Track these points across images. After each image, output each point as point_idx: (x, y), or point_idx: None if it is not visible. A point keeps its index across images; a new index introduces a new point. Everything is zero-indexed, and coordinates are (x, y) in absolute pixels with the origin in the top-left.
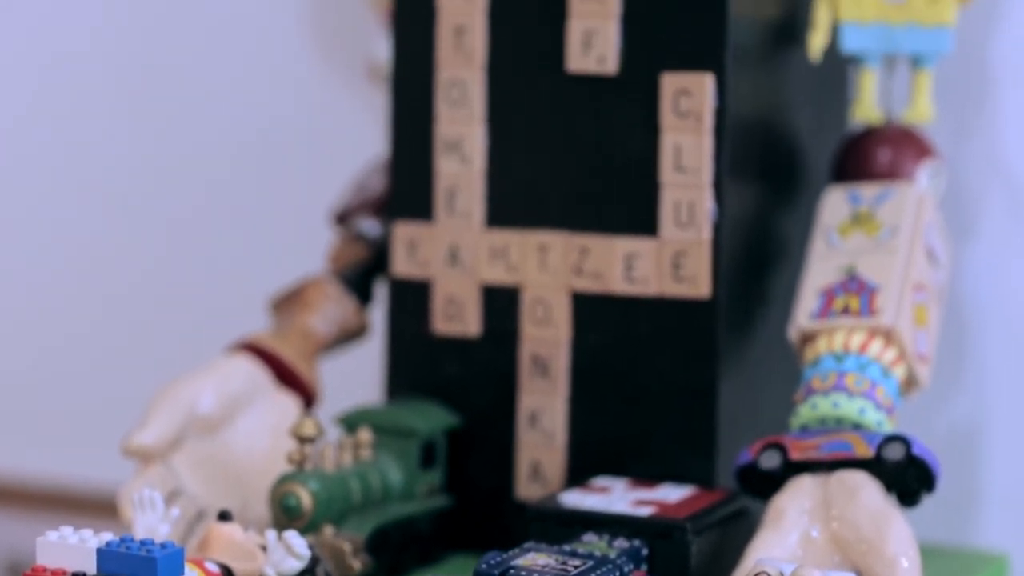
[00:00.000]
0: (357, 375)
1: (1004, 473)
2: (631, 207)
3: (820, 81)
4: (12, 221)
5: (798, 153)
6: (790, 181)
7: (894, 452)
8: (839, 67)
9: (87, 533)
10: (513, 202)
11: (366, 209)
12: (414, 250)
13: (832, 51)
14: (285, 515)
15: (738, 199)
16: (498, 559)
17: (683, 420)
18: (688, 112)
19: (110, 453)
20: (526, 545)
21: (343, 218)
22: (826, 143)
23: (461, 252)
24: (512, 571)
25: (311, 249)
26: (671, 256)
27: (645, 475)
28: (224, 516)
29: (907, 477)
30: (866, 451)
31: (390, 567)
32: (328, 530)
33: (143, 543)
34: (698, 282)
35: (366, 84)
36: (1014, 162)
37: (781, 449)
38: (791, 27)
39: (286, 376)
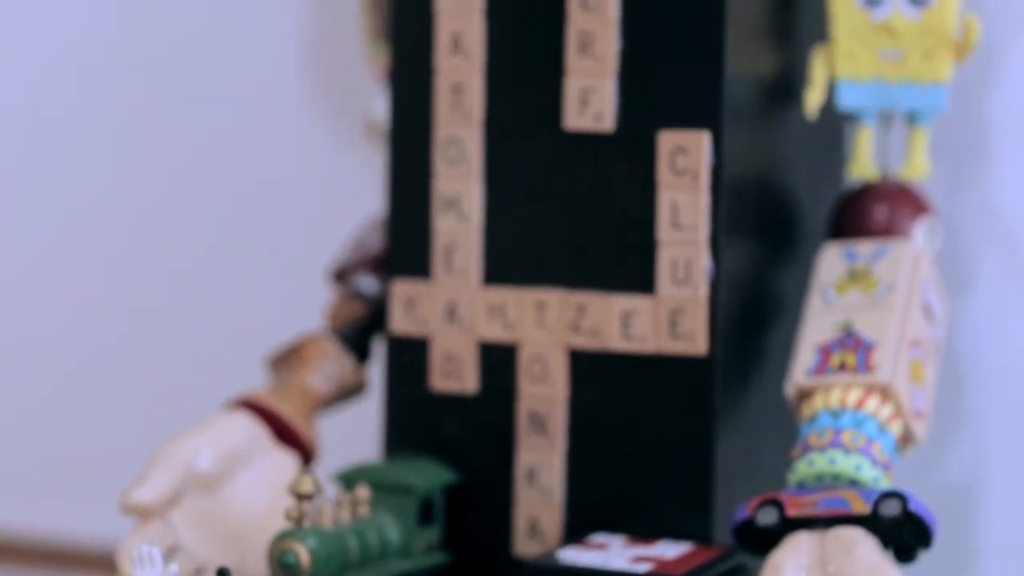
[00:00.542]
0: (355, 432)
1: (1001, 529)
2: (628, 264)
3: (816, 138)
4: (9, 275)
5: (795, 210)
6: (787, 238)
7: (891, 508)
8: (835, 124)
9: None
10: (511, 259)
11: (364, 266)
12: (412, 307)
13: (828, 108)
14: (283, 572)
15: (735, 256)
16: None
17: (680, 477)
18: (685, 170)
19: (109, 509)
20: None
21: (341, 275)
22: (822, 200)
23: (459, 309)
24: None
25: (309, 306)
26: (668, 313)
27: (643, 532)
28: (222, 573)
29: (904, 533)
30: (863, 507)
31: None
32: None
33: None
34: (695, 339)
35: (364, 141)
36: (1010, 218)
37: (778, 506)
38: (787, 84)
39: (284, 433)
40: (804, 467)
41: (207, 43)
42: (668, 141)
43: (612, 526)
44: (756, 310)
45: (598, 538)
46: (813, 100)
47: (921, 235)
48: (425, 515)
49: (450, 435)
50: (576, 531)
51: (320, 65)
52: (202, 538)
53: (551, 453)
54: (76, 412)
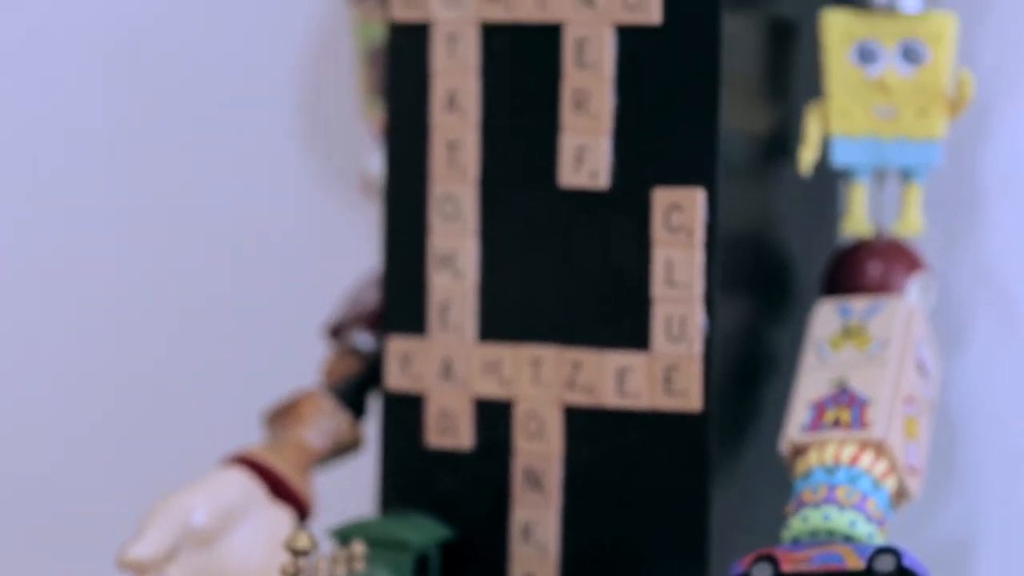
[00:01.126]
0: (351, 488)
1: None
2: (623, 321)
3: (810, 194)
4: (6, 333)
5: (789, 266)
6: (781, 294)
7: (885, 564)
8: (829, 180)
9: None
10: (506, 316)
11: (360, 323)
12: (407, 364)
13: (822, 164)
14: None
15: (729, 313)
16: None
17: (676, 533)
18: (679, 227)
19: (106, 565)
20: None
21: (337, 332)
22: (817, 256)
23: (454, 366)
24: None
25: (305, 363)
26: (663, 370)
27: None
28: None
29: None
30: (857, 563)
31: None
32: None
33: None
34: (690, 396)
35: (360, 197)
36: (1003, 275)
37: (773, 561)
38: (782, 141)
39: (280, 489)
40: (798, 523)
41: (204, 97)
42: (663, 198)
43: None
44: (750, 366)
45: None
46: (807, 157)
47: (915, 291)
48: (421, 571)
49: (446, 491)
50: None
51: (316, 121)
52: None
53: (547, 509)
54: (73, 468)
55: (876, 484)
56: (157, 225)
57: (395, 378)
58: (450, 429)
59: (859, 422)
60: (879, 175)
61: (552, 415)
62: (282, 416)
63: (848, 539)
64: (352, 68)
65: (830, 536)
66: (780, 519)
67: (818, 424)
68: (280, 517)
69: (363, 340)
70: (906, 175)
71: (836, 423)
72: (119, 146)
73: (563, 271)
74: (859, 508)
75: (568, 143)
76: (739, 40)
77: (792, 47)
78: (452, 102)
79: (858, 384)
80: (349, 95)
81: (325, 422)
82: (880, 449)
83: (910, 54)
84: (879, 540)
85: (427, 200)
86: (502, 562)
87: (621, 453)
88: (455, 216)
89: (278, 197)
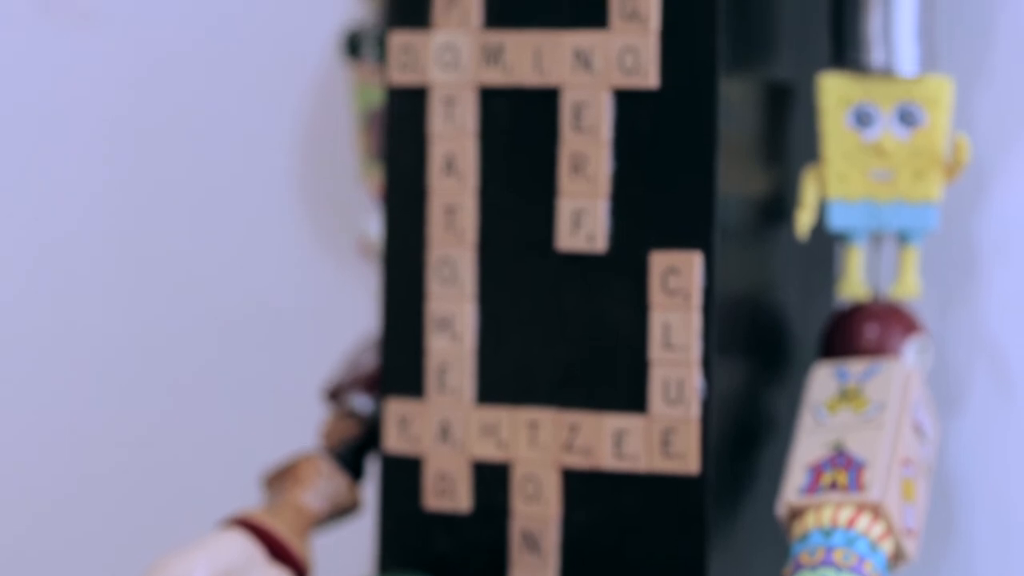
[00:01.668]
0: (349, 550)
1: None
2: (621, 384)
3: (807, 257)
4: (3, 395)
5: (786, 329)
6: (778, 357)
7: None
8: (826, 243)
9: None
10: (503, 379)
11: (358, 386)
12: (405, 426)
13: (819, 228)
14: None
15: (726, 376)
16: None
17: None
18: (677, 290)
19: None
20: None
21: (335, 394)
22: (814, 319)
23: (452, 428)
24: None
25: (304, 425)
26: (660, 433)
27: None
28: None
29: None
30: None
31: None
32: None
33: None
34: (687, 458)
35: (358, 260)
36: (999, 337)
37: None
38: (778, 204)
39: (279, 551)
40: None
41: (204, 160)
42: (660, 262)
43: None
44: (748, 429)
45: None
46: (804, 221)
47: (912, 354)
48: None
49: (443, 554)
50: None
51: (315, 184)
52: None
53: (544, 572)
54: (72, 531)
55: (873, 546)
56: (157, 288)
57: (393, 441)
58: (448, 492)
59: (856, 484)
60: (876, 238)
61: (550, 478)
62: (281, 478)
63: None
64: (351, 131)
65: None
66: None
67: (815, 487)
68: None
69: (361, 403)
70: (903, 238)
71: (833, 485)
72: (118, 206)
73: (561, 334)
74: (856, 570)
75: (566, 207)
76: (736, 104)
77: (789, 110)
78: (450, 166)
79: (855, 447)
80: (348, 158)
81: (324, 484)
82: (877, 511)
83: (907, 118)
84: None
85: (425, 263)
86: None
87: (618, 516)
88: (453, 279)
89: (277, 259)
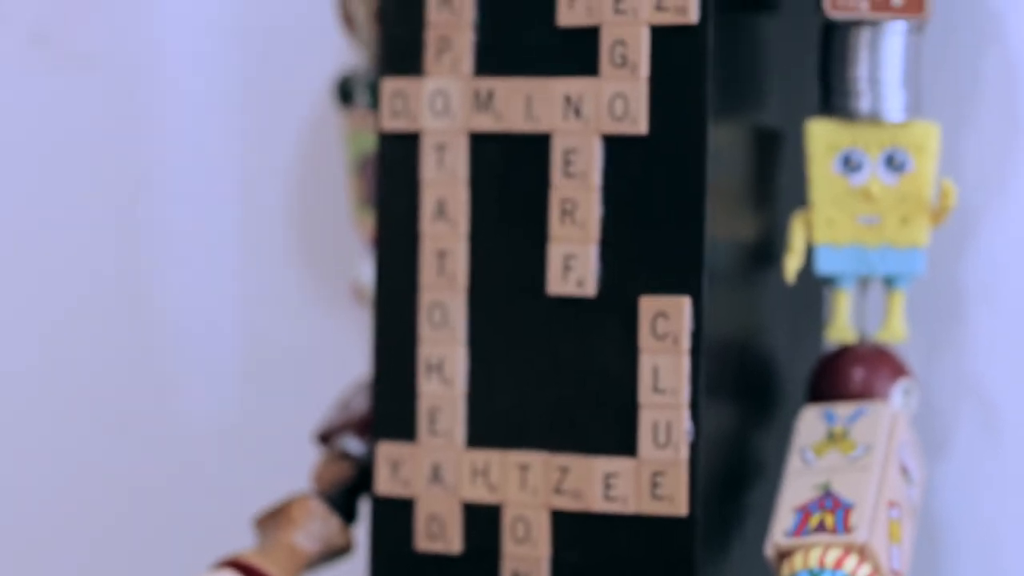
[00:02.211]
0: None
1: None
2: (610, 427)
3: (795, 302)
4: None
5: (774, 373)
6: (766, 400)
7: None
8: (814, 287)
9: None
10: (494, 422)
11: (350, 428)
12: (397, 469)
13: (807, 272)
14: None
15: (715, 419)
16: None
17: None
18: (666, 334)
19: None
20: None
21: (327, 437)
22: (801, 362)
23: (443, 471)
24: None
25: (296, 468)
26: (649, 475)
27: None
28: None
29: None
30: None
31: None
32: None
33: None
34: (676, 501)
35: (351, 305)
36: (986, 381)
37: None
38: (767, 249)
39: None
40: None
41: (194, 206)
42: (649, 306)
43: None
44: (736, 471)
45: None
46: (792, 265)
47: (898, 397)
48: None
49: None
50: None
51: (308, 229)
52: None
53: None
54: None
55: None
56: (148, 329)
57: (385, 483)
58: (439, 534)
59: (843, 526)
60: (863, 281)
61: (540, 520)
62: (273, 520)
63: None
64: (343, 177)
65: None
66: None
67: (803, 528)
68: None
69: (353, 445)
70: (890, 282)
71: (821, 527)
72: (111, 246)
73: (551, 378)
74: None
75: (556, 252)
76: (725, 150)
77: (777, 156)
78: (441, 211)
79: (842, 489)
80: (340, 204)
81: (315, 526)
82: (864, 553)
83: (894, 163)
84: None
85: (417, 308)
86: None
87: (608, 557)
88: (444, 323)
89: (271, 303)
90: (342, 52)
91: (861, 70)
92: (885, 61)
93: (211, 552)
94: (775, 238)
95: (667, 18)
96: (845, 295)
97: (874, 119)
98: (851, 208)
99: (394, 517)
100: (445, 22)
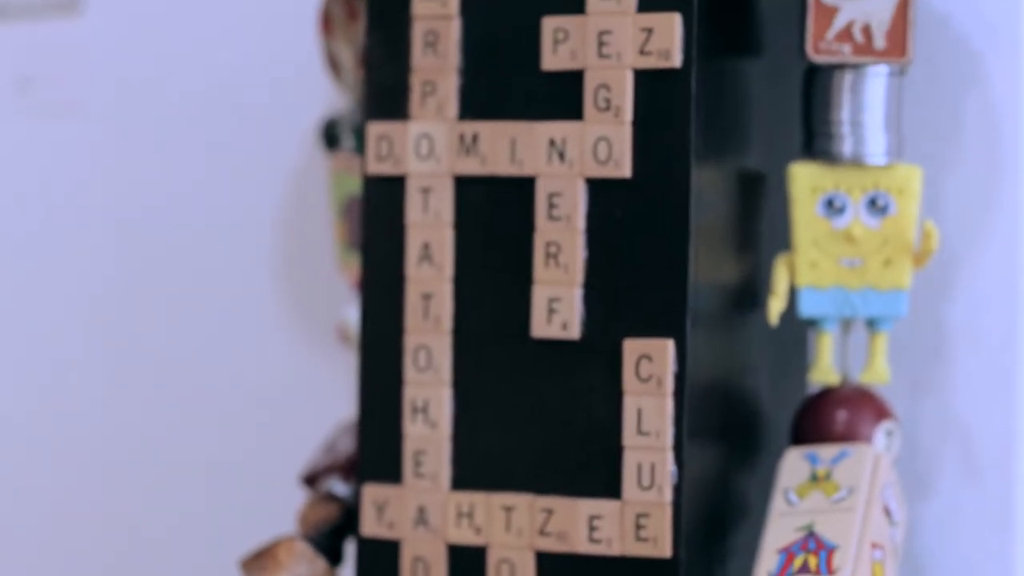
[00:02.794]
0: None
1: None
2: (595, 469)
3: (779, 343)
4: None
5: (757, 415)
6: (750, 442)
7: None
8: (797, 329)
9: None
10: (479, 465)
11: (335, 470)
12: (382, 511)
13: (790, 314)
14: None
15: (699, 461)
16: None
17: None
18: (650, 376)
19: None
20: None
21: (312, 479)
22: (785, 404)
23: (428, 513)
24: None
25: (281, 509)
26: (633, 517)
27: None
28: None
29: None
30: None
31: None
32: None
33: None
34: (660, 543)
35: (337, 348)
36: (968, 423)
37: None
38: (750, 291)
39: None
40: None
41: (185, 250)
42: (633, 349)
43: None
44: (720, 513)
45: None
46: (775, 308)
47: (881, 439)
48: None
49: None
50: None
51: (294, 272)
52: None
53: None
54: None
55: None
56: (138, 373)
57: (370, 525)
58: None
59: (827, 568)
60: (845, 323)
61: (525, 562)
62: (259, 562)
63: None
64: (328, 220)
65: None
66: None
67: (786, 570)
68: None
69: (339, 487)
70: (872, 324)
71: (804, 569)
72: (100, 293)
73: (535, 420)
74: None
75: (540, 295)
76: (708, 193)
77: (760, 199)
78: (426, 254)
79: (825, 530)
80: (325, 247)
81: (302, 568)
82: None
83: (876, 206)
84: None
85: (402, 350)
86: None
87: None
88: (429, 366)
89: (257, 346)
90: (327, 96)
91: (843, 113)
92: (867, 104)
93: None
94: (758, 280)
95: (651, 62)
96: (828, 337)
97: (856, 162)
98: (834, 250)
99: (380, 559)
100: (430, 66)
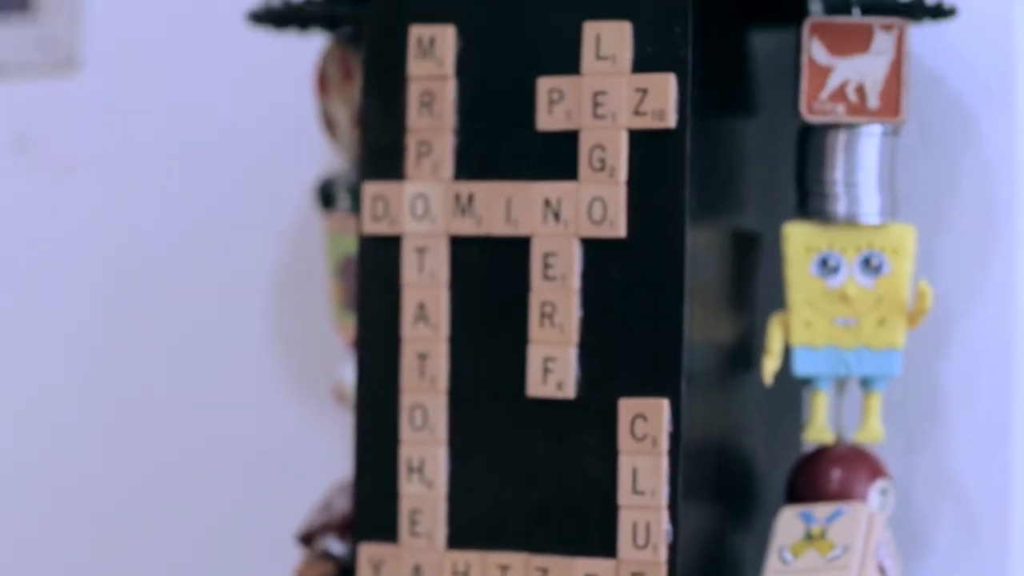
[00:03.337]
0: None
1: None
2: (590, 528)
3: (773, 403)
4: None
5: (752, 473)
6: (745, 501)
7: None
8: (792, 388)
9: None
10: (475, 523)
11: (332, 529)
12: (378, 570)
13: (785, 373)
14: None
15: (694, 520)
16: None
17: None
18: (645, 436)
19: None
20: None
21: (309, 538)
22: (780, 462)
23: (424, 572)
24: None
25: (278, 569)
26: None
27: None
28: None
29: None
30: None
31: None
32: None
33: None
34: None
35: (333, 407)
36: (962, 481)
37: None
38: (745, 351)
39: None
40: None
41: (181, 310)
42: (628, 408)
43: None
44: (715, 572)
45: None
46: (770, 367)
47: (875, 498)
48: None
49: None
50: None
51: (290, 332)
52: None
53: None
54: None
55: None
56: (136, 430)
57: None
58: None
59: None
60: (840, 382)
61: None
62: None
63: None
64: (324, 280)
65: None
66: None
67: None
68: None
69: (335, 546)
70: (867, 383)
71: None
72: (96, 351)
73: (531, 479)
74: None
75: (536, 354)
76: (703, 253)
77: (755, 258)
78: (422, 314)
79: None
80: (321, 306)
81: None
82: None
83: (870, 265)
84: None
85: (398, 410)
86: None
87: None
88: (425, 425)
89: (254, 405)
90: (324, 156)
91: (837, 173)
92: (861, 164)
93: None
94: (753, 340)
95: (645, 123)
96: (823, 396)
97: (851, 222)
98: (828, 310)
99: None
100: (426, 127)
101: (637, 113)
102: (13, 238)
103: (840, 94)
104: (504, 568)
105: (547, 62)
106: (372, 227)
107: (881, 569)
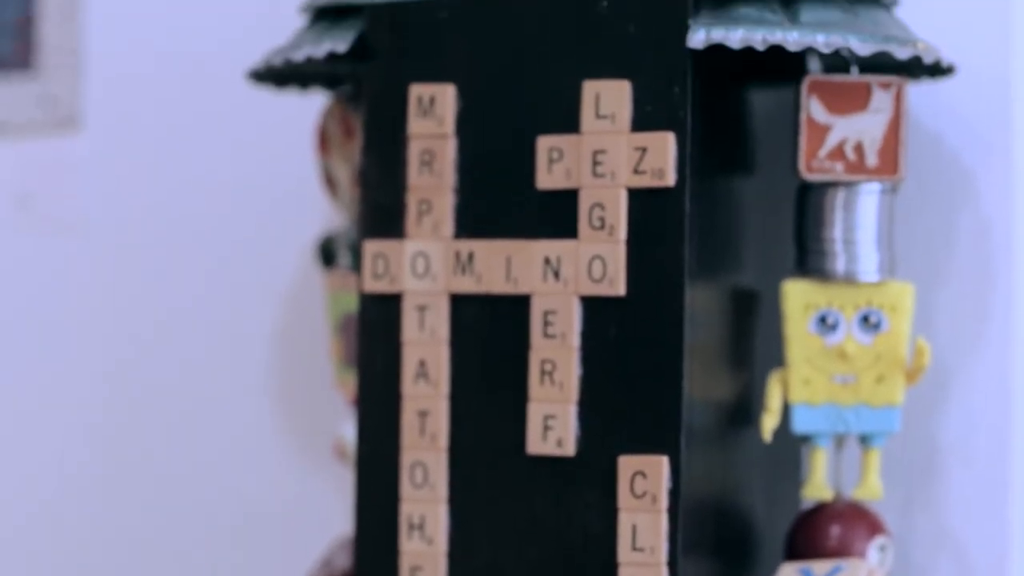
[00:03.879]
0: None
1: None
2: None
3: (772, 459)
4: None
5: (752, 530)
6: (744, 558)
7: None
8: (791, 445)
9: None
10: None
11: None
12: None
13: (784, 430)
14: None
15: None
16: None
17: None
18: (644, 493)
19: None
20: None
21: None
22: (779, 519)
23: None
24: None
25: None
26: None
27: None
28: None
29: None
30: None
31: None
32: None
33: None
34: None
35: (333, 464)
36: (960, 537)
37: None
38: (744, 408)
39: None
40: None
41: (182, 367)
42: (628, 465)
43: None
44: None
45: None
46: (769, 424)
47: (874, 554)
48: None
49: None
50: None
51: (290, 389)
52: None
53: None
54: None
55: None
56: (138, 490)
57: None
58: None
59: None
60: (839, 439)
61: None
62: None
63: None
64: (325, 337)
65: None
66: None
67: None
68: None
69: None
70: (865, 440)
71: None
72: (99, 411)
73: (531, 536)
74: None
75: (536, 412)
76: (702, 311)
77: (753, 316)
78: (423, 371)
79: None
80: (322, 364)
81: None
82: None
83: (869, 323)
84: None
85: (398, 467)
86: None
87: None
88: (425, 483)
89: (255, 462)
90: (324, 214)
91: (835, 231)
92: (859, 222)
93: None
94: (752, 397)
95: (645, 181)
96: (821, 453)
97: (849, 279)
98: (827, 367)
99: None
100: (426, 185)
101: (636, 172)
102: (14, 296)
103: (839, 152)
104: None
105: (547, 121)
106: (373, 285)
107: None
